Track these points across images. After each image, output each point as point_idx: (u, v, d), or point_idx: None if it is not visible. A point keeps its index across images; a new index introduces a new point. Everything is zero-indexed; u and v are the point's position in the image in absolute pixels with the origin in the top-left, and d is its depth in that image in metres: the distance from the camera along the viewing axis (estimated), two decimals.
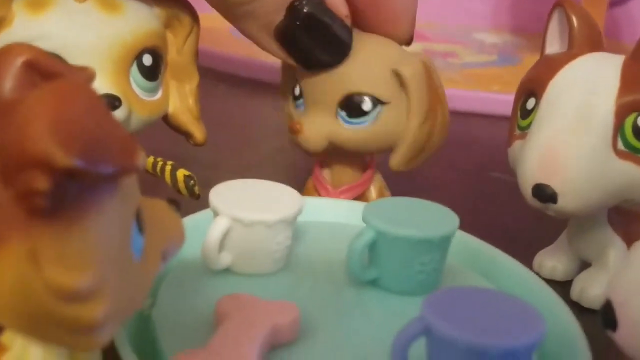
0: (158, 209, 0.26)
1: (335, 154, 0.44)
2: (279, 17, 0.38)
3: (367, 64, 0.41)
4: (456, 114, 0.72)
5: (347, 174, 0.45)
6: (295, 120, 0.42)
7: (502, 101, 0.69)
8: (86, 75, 0.24)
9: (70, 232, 0.20)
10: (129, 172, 0.21)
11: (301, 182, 0.44)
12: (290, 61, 0.41)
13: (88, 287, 0.20)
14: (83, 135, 0.19)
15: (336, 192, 0.44)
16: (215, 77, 0.77)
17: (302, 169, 0.55)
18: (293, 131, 0.42)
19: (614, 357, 0.28)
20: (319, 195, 0.44)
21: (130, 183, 0.23)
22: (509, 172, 0.40)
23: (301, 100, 0.43)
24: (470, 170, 0.61)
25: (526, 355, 0.25)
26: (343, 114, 0.41)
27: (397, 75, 0.41)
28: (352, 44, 0.41)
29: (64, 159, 0.18)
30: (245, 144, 0.61)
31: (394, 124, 0.42)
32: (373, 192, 0.45)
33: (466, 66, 0.85)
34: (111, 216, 0.21)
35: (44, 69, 0.22)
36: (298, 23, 0.38)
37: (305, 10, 0.38)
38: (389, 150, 0.43)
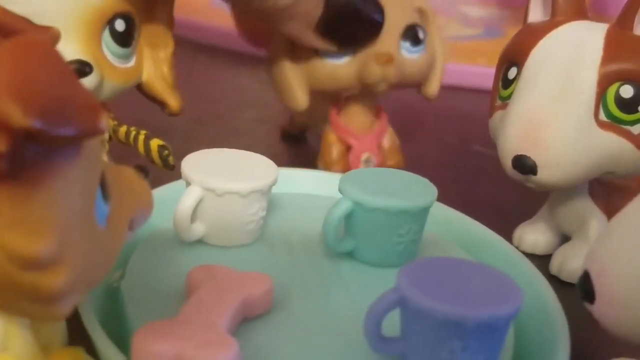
0: (125, 176, 0.25)
1: (353, 103, 0.47)
2: (317, 12, 0.41)
3: (403, 2, 0.45)
4: (440, 87, 0.71)
5: (362, 124, 0.47)
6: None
7: (486, 74, 0.68)
8: (50, 35, 0.23)
9: (30, 197, 0.19)
10: (91, 135, 0.20)
11: (278, 154, 0.43)
12: (333, 48, 0.43)
13: (48, 254, 0.19)
14: (43, 95, 0.18)
15: (367, 138, 0.47)
16: (194, 48, 0.76)
17: (279, 141, 0.55)
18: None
19: (592, 331, 0.28)
20: (347, 143, 0.47)
21: (94, 147, 0.22)
22: (492, 146, 0.39)
23: None
24: (453, 144, 0.60)
25: (503, 327, 0.25)
26: (407, 44, 0.45)
27: (420, 11, 0.46)
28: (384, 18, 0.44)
29: (22, 119, 0.17)
30: (222, 115, 0.60)
31: (432, 54, 0.47)
32: (386, 143, 0.48)
33: (452, 39, 0.84)
34: (73, 181, 0.20)
35: (4, 26, 0.21)
36: (338, 14, 0.42)
37: (343, 2, 0.42)
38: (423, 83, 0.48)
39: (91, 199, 0.21)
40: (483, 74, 0.71)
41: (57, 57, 0.20)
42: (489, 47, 0.82)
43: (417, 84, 0.48)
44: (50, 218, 0.19)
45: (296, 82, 0.45)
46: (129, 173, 0.25)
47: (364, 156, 0.47)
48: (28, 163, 0.19)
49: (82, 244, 0.20)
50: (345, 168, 0.46)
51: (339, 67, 0.44)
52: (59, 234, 0.19)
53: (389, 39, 0.44)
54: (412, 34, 0.45)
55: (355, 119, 0.47)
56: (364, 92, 0.46)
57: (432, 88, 0.49)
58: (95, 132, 0.20)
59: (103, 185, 0.22)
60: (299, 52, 0.45)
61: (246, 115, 0.54)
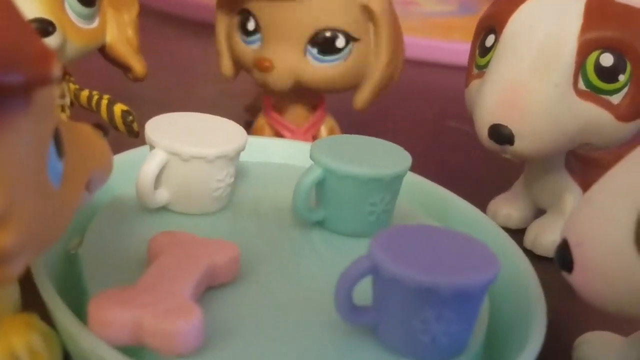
0: (82, 134, 0.23)
1: (288, 94, 0.42)
2: None
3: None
4: (415, 63, 0.70)
5: (298, 115, 0.43)
6: (261, 57, 0.40)
7: (462, 50, 0.67)
8: None
9: None
10: (42, 84, 0.18)
11: (245, 126, 0.42)
12: None
13: None
14: None
15: (300, 131, 0.42)
16: (162, 18, 0.74)
17: (243, 116, 0.53)
18: (262, 68, 0.39)
19: (567, 304, 0.27)
20: (282, 136, 0.43)
21: (47, 100, 0.20)
22: (466, 121, 0.38)
23: (257, 36, 0.40)
24: (427, 119, 0.59)
25: (478, 296, 0.24)
26: (314, 51, 0.40)
27: (367, 11, 0.40)
28: None
29: None
30: (189, 86, 0.58)
31: (363, 62, 0.41)
32: (324, 132, 0.44)
33: (427, 15, 0.83)
34: (23, 135, 0.19)
35: None
36: None
37: None
38: (351, 89, 0.42)
39: (43, 155, 0.20)
40: (458, 49, 0.71)
41: (7, 1, 0.19)
42: (464, 24, 0.81)
43: (332, 92, 0.42)
44: None
45: (225, 50, 0.44)
46: (86, 131, 0.24)
47: None
48: None
49: (33, 202, 0.19)
50: None
51: (246, 52, 0.41)
52: (7, 190, 0.18)
53: (284, 41, 0.39)
54: (322, 40, 0.39)
55: (290, 109, 0.43)
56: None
57: (358, 101, 0.42)
58: (47, 80, 0.18)
59: (57, 141, 0.21)
60: (231, 25, 0.42)
61: (212, 88, 0.53)
